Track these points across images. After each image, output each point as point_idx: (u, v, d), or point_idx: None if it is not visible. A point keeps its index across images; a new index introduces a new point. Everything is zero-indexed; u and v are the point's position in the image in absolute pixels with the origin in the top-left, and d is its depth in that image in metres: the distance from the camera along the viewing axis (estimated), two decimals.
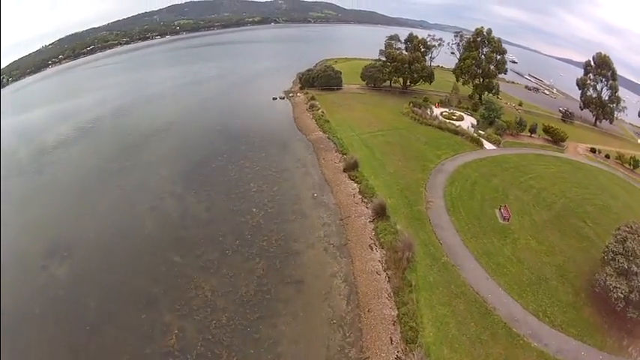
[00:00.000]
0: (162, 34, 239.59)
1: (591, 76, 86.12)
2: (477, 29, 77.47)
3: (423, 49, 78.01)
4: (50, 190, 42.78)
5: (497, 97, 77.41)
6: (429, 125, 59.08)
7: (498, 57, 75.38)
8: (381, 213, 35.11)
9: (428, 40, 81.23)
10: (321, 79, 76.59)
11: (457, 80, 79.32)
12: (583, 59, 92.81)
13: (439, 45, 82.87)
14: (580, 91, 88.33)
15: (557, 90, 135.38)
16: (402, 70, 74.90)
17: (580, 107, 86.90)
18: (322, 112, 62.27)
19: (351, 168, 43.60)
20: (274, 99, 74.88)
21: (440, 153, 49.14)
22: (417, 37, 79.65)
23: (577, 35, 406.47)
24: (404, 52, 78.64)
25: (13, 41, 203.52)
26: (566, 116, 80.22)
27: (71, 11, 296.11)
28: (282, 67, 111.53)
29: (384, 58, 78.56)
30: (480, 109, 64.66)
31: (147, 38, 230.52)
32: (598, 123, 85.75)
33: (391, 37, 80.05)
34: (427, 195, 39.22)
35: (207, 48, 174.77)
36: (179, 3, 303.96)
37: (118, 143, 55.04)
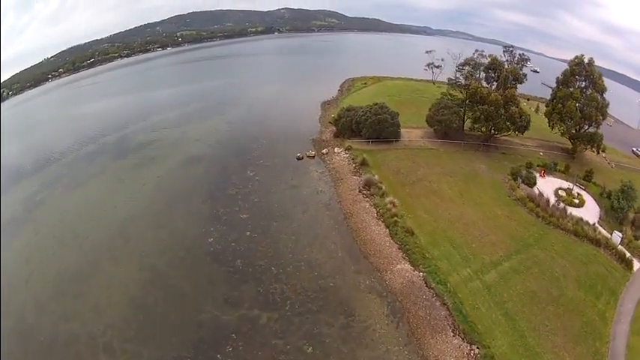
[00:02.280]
0: (163, 46, 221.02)
1: None
2: (576, 57, 47.75)
3: (513, 82, 48.39)
4: None
5: (595, 152, 48.75)
6: (561, 229, 31.34)
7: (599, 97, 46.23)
8: None
9: (505, 60, 51.09)
10: (370, 127, 46.04)
11: (551, 127, 49.94)
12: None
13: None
14: None
15: None
16: (494, 116, 44.89)
17: None
18: (392, 202, 32.86)
19: None
20: (299, 159, 45.79)
21: (602, 307, 24.83)
22: (503, 64, 48.94)
23: (578, 36, 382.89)
24: (484, 83, 49.69)
25: (18, 53, 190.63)
26: None
27: (75, 23, 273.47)
28: (296, 90, 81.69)
29: (458, 94, 49.43)
30: (619, 199, 36.17)
31: (148, 50, 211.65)
32: None
33: (467, 62, 49.05)
34: None
35: (208, 63, 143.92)
36: (182, 14, 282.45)
37: (52, 261, 29.20)
